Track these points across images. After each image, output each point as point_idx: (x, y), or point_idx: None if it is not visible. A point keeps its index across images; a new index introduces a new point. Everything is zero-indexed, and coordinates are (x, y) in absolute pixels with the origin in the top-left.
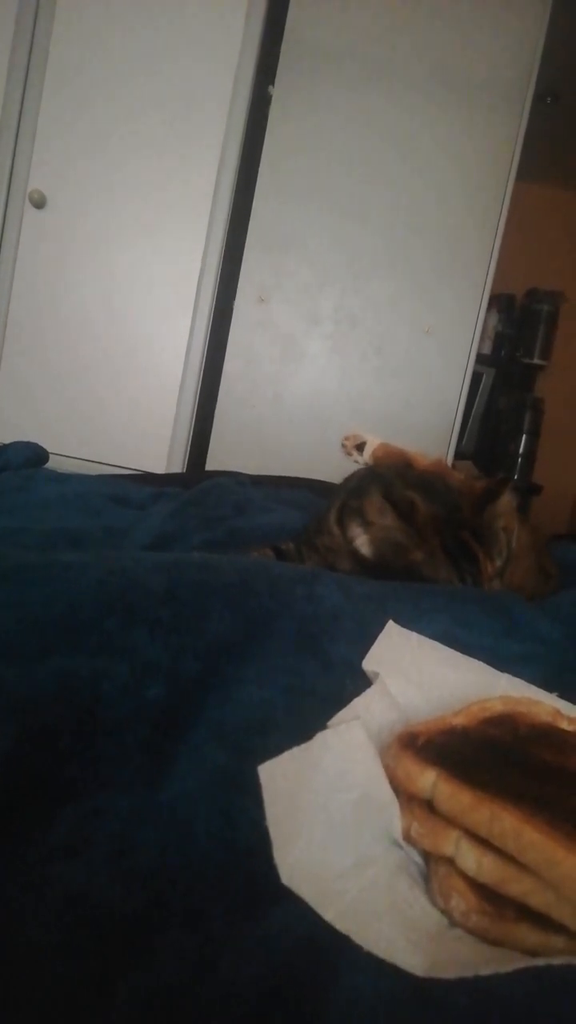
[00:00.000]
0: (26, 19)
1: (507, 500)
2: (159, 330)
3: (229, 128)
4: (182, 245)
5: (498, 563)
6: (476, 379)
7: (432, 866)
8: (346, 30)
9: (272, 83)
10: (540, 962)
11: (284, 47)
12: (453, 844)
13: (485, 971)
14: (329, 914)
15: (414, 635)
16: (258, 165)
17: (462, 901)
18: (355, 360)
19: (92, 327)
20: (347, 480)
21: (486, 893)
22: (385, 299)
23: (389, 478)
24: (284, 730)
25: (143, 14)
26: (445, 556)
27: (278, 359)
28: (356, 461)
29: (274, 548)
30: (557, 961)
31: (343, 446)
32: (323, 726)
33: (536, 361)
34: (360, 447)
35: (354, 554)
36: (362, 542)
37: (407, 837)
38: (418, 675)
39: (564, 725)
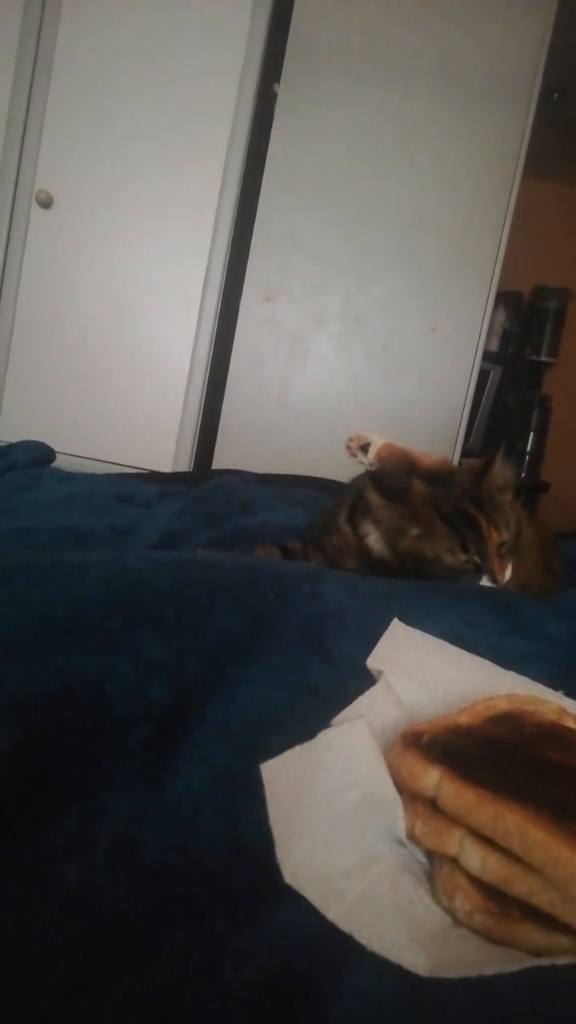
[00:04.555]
0: (32, 19)
1: (502, 471)
2: (165, 329)
3: (235, 126)
4: (188, 244)
5: (505, 535)
6: (483, 377)
7: (436, 865)
8: (352, 26)
9: (278, 81)
10: (544, 962)
11: (290, 44)
12: (457, 843)
13: (489, 971)
14: (332, 913)
15: (419, 633)
16: (264, 163)
17: (466, 900)
18: (361, 358)
19: (99, 326)
20: (355, 480)
21: (490, 892)
22: (392, 297)
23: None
24: (287, 729)
25: (148, 13)
26: (444, 525)
27: (284, 358)
28: (361, 462)
29: (280, 546)
30: (561, 961)
31: (347, 447)
32: (327, 725)
33: (544, 358)
34: (365, 448)
35: (364, 551)
36: (374, 539)
37: (411, 836)
38: (423, 673)
39: (570, 724)
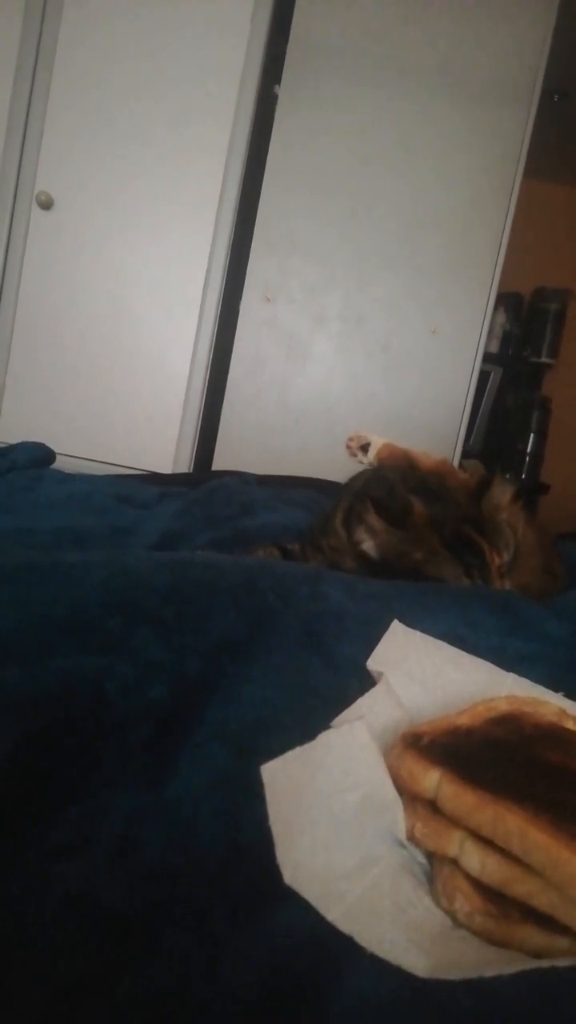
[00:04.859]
0: (32, 20)
1: (502, 491)
2: (166, 330)
3: (235, 127)
4: (188, 245)
5: (506, 556)
6: (483, 378)
7: (436, 866)
8: (352, 27)
9: (278, 82)
10: (544, 964)
11: (290, 46)
12: (457, 844)
13: (489, 973)
14: (332, 914)
15: (419, 634)
16: (264, 164)
17: (466, 902)
18: (361, 359)
19: (99, 328)
20: (353, 480)
21: (490, 894)
22: (392, 298)
23: (392, 481)
24: (287, 729)
25: (149, 14)
26: (447, 552)
27: (284, 359)
28: (361, 462)
29: (280, 547)
30: (561, 963)
31: (347, 447)
32: (327, 725)
33: (544, 360)
34: (364, 448)
35: (359, 555)
36: (369, 547)
37: (411, 837)
38: (423, 674)
39: (570, 725)
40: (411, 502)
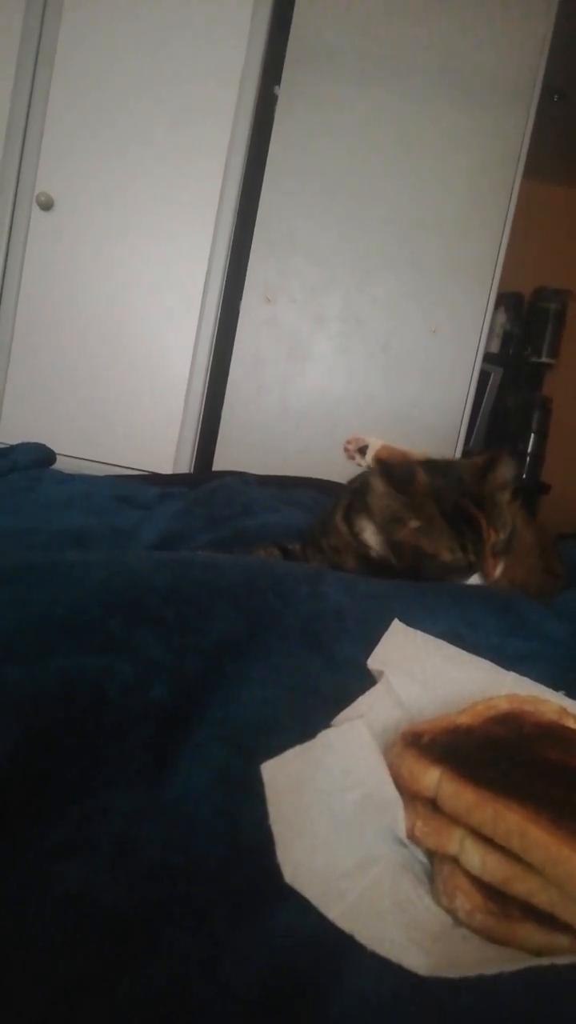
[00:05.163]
0: (33, 21)
1: (504, 471)
2: (166, 331)
3: (235, 128)
4: (188, 245)
5: (502, 535)
6: (484, 378)
7: (436, 865)
8: (352, 27)
9: (278, 83)
10: (544, 962)
11: (290, 46)
12: (457, 843)
13: (489, 971)
14: (332, 913)
15: (419, 633)
16: (264, 164)
17: (466, 900)
18: (362, 360)
19: (99, 328)
20: (352, 481)
21: (491, 892)
22: (392, 298)
23: None
24: (288, 729)
25: (149, 14)
26: (444, 522)
27: (284, 359)
28: (359, 464)
29: (280, 547)
30: (561, 961)
31: (345, 450)
32: (327, 725)
33: (544, 360)
34: (363, 450)
35: (361, 550)
36: (370, 533)
37: (411, 836)
38: (423, 673)
39: (570, 723)
40: (415, 470)
